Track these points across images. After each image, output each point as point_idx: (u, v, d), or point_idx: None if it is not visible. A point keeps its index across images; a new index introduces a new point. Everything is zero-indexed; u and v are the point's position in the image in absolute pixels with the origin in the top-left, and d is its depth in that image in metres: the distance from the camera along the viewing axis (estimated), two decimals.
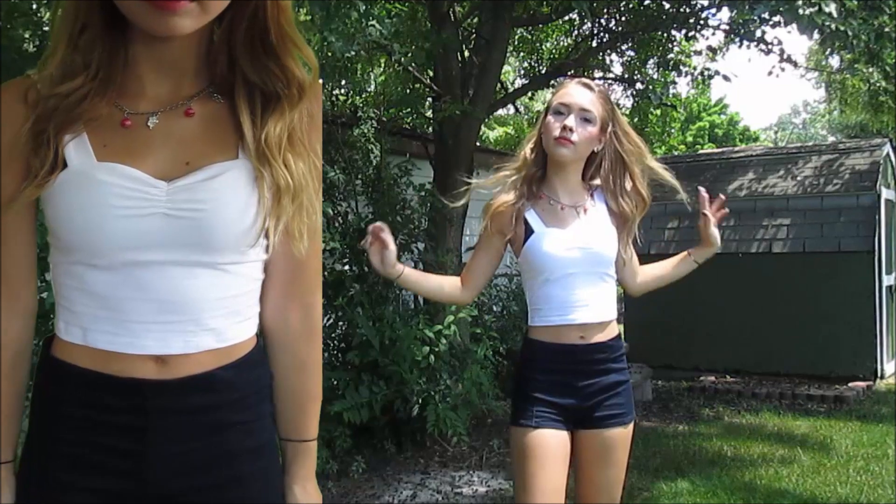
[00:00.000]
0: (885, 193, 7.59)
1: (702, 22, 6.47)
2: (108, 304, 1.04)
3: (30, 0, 3.59)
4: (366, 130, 5.04)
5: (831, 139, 24.09)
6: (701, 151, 14.19)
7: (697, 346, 7.60)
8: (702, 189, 2.29)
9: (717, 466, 4.70)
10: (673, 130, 16.62)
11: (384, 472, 4.66)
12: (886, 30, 5.03)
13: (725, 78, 6.80)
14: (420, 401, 4.61)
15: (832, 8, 4.47)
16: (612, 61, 7.84)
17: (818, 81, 19.07)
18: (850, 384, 6.90)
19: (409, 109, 6.88)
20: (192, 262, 1.05)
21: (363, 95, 6.71)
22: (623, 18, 6.73)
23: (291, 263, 1.15)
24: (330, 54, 4.36)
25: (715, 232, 2.30)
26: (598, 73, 7.30)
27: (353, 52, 4.16)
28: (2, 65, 3.08)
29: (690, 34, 6.77)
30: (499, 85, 6.77)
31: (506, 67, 8.76)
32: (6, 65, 3.06)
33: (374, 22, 3.98)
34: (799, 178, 7.80)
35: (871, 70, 6.53)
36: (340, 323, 4.91)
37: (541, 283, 2.16)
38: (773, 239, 7.57)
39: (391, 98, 6.86)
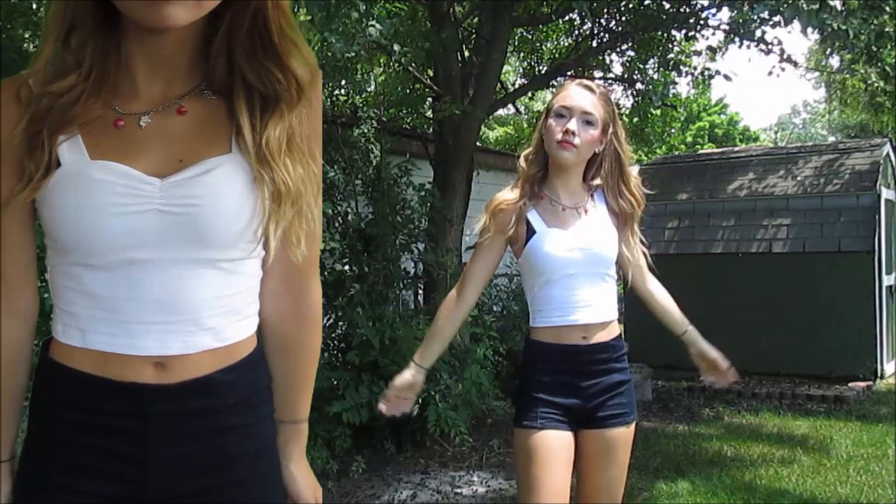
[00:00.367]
0: (885, 193, 7.58)
1: (702, 22, 6.48)
2: (106, 305, 1.04)
3: (30, 0, 3.59)
4: (366, 130, 5.04)
5: (831, 139, 24.09)
6: (701, 151, 14.18)
7: None
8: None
9: (717, 466, 4.69)
10: (673, 130, 16.61)
11: (384, 472, 4.66)
12: (887, 29, 5.03)
13: (726, 77, 6.81)
14: (420, 401, 4.60)
15: (836, 2, 4.47)
16: (612, 61, 7.85)
17: (818, 81, 19.10)
18: (850, 384, 6.89)
19: (409, 109, 6.89)
20: (189, 260, 1.04)
21: (363, 95, 6.72)
22: (623, 18, 6.73)
23: (287, 267, 1.14)
24: (330, 54, 4.36)
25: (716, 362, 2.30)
26: (598, 73, 7.30)
27: (353, 53, 4.16)
28: (2, 65, 3.08)
29: (690, 34, 6.78)
30: (499, 85, 6.78)
31: (506, 67, 8.76)
32: (6, 65, 3.07)
33: (374, 22, 3.99)
34: (799, 178, 7.79)
35: (868, 70, 6.53)
36: (340, 323, 4.91)
37: (542, 284, 2.16)
38: (773, 239, 7.56)
39: (391, 98, 6.86)
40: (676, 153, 16.03)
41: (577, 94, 2.16)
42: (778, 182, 7.86)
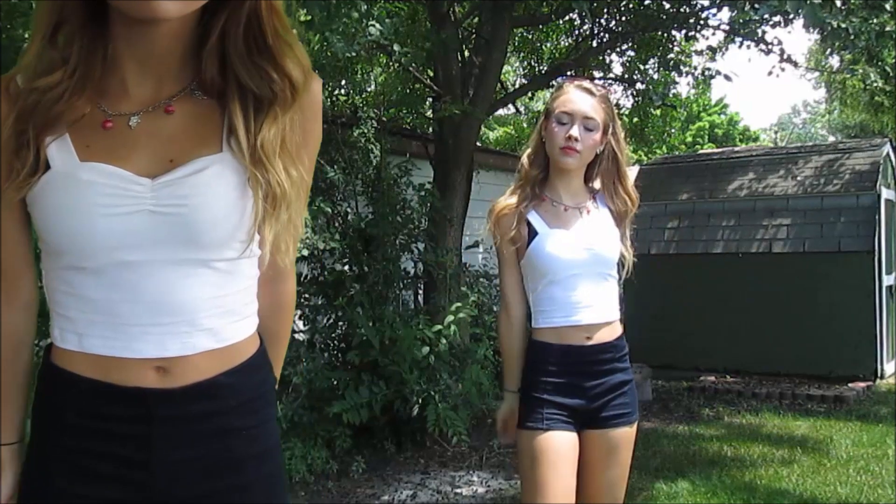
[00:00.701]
0: (885, 193, 7.59)
1: (702, 22, 6.48)
2: (102, 308, 1.03)
3: (30, 0, 3.58)
4: (366, 130, 5.04)
5: (831, 139, 24.10)
6: (701, 151, 14.19)
7: (697, 346, 7.60)
8: None
9: (717, 466, 4.69)
10: (673, 130, 16.61)
11: (384, 472, 4.66)
12: (888, 29, 5.03)
13: (726, 77, 6.80)
14: (420, 401, 4.60)
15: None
16: (612, 61, 7.84)
17: (818, 81, 19.10)
18: (850, 384, 6.90)
19: (409, 109, 6.89)
20: (182, 261, 1.04)
21: (363, 95, 6.71)
22: (623, 18, 6.73)
23: (271, 268, 1.14)
24: (330, 54, 4.36)
25: None
26: (598, 73, 7.29)
27: (353, 53, 4.15)
28: (2, 65, 3.07)
29: (690, 34, 6.78)
30: (499, 85, 6.77)
31: (506, 67, 8.76)
32: (6, 65, 3.06)
33: (374, 22, 3.99)
34: (799, 178, 7.80)
35: (868, 70, 6.53)
36: (340, 323, 4.91)
37: (545, 285, 2.16)
38: (773, 239, 7.57)
39: (391, 98, 6.85)
40: (676, 153, 16.05)
41: (577, 99, 2.17)
42: (778, 182, 7.86)
